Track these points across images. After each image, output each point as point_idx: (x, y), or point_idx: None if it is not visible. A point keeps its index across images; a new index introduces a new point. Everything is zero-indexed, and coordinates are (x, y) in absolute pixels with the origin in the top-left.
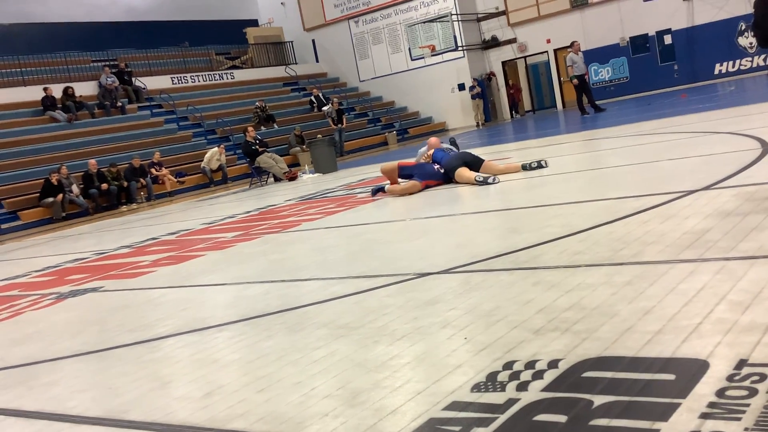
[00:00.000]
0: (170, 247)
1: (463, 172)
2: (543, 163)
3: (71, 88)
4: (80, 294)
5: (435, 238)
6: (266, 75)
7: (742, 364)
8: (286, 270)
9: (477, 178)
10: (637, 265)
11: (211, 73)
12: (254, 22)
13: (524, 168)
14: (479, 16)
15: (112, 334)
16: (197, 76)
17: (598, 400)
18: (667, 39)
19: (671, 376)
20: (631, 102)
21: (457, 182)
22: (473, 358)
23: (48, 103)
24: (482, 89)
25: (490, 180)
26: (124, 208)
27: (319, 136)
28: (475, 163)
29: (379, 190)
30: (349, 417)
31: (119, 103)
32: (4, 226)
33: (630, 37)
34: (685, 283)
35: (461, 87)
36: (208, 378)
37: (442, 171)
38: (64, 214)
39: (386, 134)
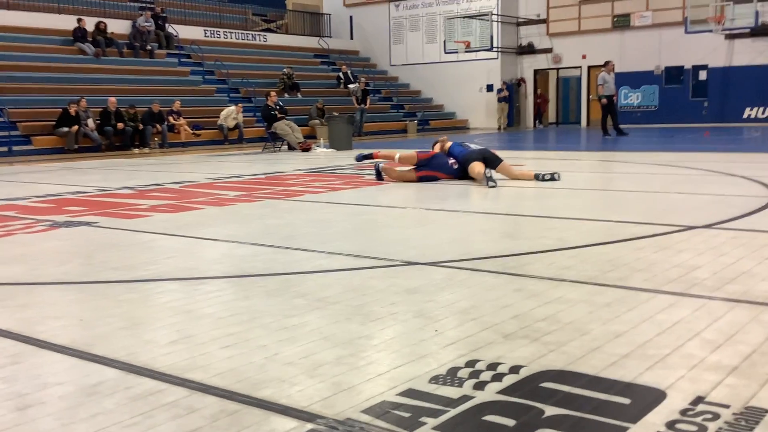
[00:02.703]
0: (171, 196)
1: (477, 166)
2: (556, 176)
3: (104, 23)
4: (74, 225)
5: (430, 230)
6: (299, 43)
7: (698, 400)
8: (279, 236)
9: (486, 173)
10: (620, 289)
11: (245, 32)
12: None
13: (537, 178)
14: (519, 20)
15: (96, 269)
16: (230, 32)
17: (550, 411)
18: (702, 75)
19: (627, 401)
20: (655, 131)
21: (470, 177)
22: (439, 350)
23: (79, 34)
24: (510, 94)
25: (494, 179)
26: (136, 150)
27: (334, 113)
28: (493, 161)
29: (378, 173)
30: (305, 386)
31: (149, 47)
32: (15, 148)
33: (665, 67)
34: (663, 314)
35: (489, 88)
36: (178, 327)
37: (456, 167)
38: (76, 146)
39: (407, 122)
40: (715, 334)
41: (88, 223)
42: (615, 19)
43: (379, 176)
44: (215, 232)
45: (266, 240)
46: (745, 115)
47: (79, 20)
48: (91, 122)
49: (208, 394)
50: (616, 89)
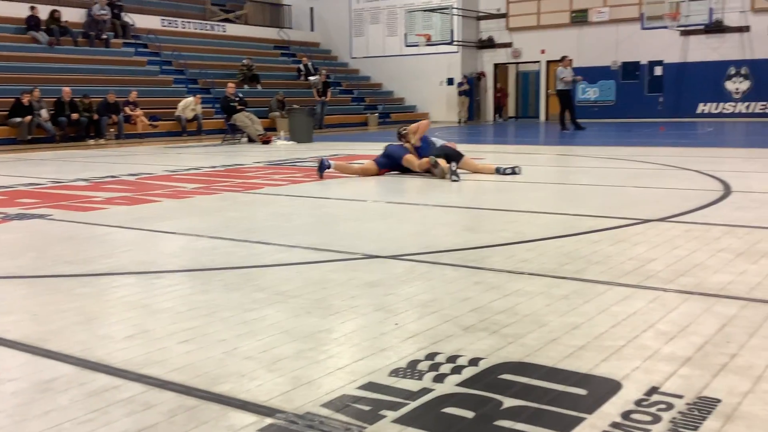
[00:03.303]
0: (128, 188)
1: (439, 162)
2: (516, 170)
3: (58, 11)
4: (27, 218)
5: (391, 224)
6: (258, 34)
7: (653, 391)
8: (238, 229)
9: (452, 167)
10: (577, 282)
11: (203, 22)
12: None
13: (498, 171)
14: (479, 14)
15: (50, 263)
16: (189, 22)
17: (508, 402)
18: (658, 70)
19: (583, 391)
20: (612, 126)
21: (433, 174)
22: (400, 343)
23: (32, 22)
24: (470, 87)
25: (457, 174)
26: (91, 141)
27: (295, 106)
28: (454, 157)
29: (325, 168)
30: (264, 381)
31: (105, 36)
32: None
33: (622, 62)
34: (618, 305)
35: (450, 81)
36: (135, 321)
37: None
38: (29, 137)
39: (368, 115)
40: (669, 326)
41: (41, 216)
42: (573, 15)
43: (321, 170)
44: (173, 225)
45: (225, 233)
46: (698, 110)
47: (32, 8)
48: (44, 112)
49: (165, 390)
50: (573, 85)
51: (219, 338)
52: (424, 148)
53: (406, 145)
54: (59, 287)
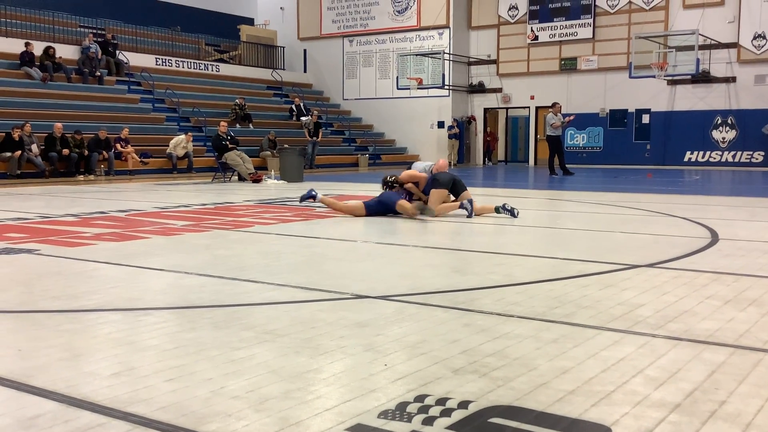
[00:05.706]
0: (117, 224)
1: (444, 203)
2: (515, 212)
3: (52, 48)
4: (14, 253)
5: (380, 264)
6: (252, 74)
7: None
8: (227, 267)
9: (466, 205)
10: (567, 326)
11: (198, 61)
12: (250, 21)
13: (497, 210)
14: (470, 60)
15: (36, 298)
16: (183, 61)
17: None
18: (645, 118)
19: None
20: (600, 171)
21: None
22: (389, 385)
23: (26, 58)
24: (460, 131)
25: (469, 210)
26: (81, 177)
27: (286, 145)
28: (460, 187)
29: (309, 197)
30: (251, 421)
31: (98, 73)
32: None
33: (610, 110)
34: (607, 350)
35: (440, 124)
36: (121, 358)
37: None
38: (19, 172)
39: (359, 156)
40: (658, 372)
41: (29, 251)
42: (562, 62)
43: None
44: (161, 261)
45: (214, 271)
46: (685, 159)
47: (27, 44)
48: (35, 147)
49: (150, 429)
50: (562, 130)
51: (206, 377)
52: (427, 191)
53: (405, 197)
54: (45, 323)
